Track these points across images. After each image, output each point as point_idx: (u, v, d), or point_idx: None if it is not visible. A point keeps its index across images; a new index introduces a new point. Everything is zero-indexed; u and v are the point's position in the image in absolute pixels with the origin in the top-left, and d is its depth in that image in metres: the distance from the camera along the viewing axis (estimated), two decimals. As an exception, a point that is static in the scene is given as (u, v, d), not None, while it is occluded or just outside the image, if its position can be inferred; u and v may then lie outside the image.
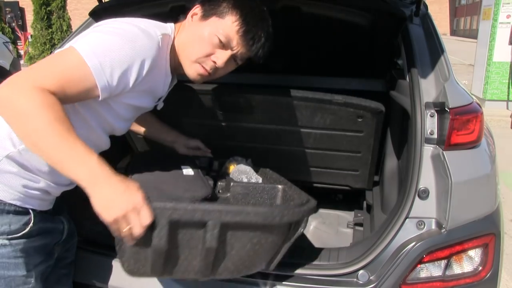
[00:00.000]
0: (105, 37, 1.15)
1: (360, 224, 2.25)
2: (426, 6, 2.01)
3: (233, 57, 1.34)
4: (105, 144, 1.38)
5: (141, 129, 1.87)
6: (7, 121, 1.05)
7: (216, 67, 1.33)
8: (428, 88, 1.56)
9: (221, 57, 1.31)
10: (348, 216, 2.40)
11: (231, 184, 1.68)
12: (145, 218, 1.03)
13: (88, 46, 1.11)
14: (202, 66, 1.32)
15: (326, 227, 2.32)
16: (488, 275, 1.41)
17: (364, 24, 1.73)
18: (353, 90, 2.21)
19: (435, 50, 1.71)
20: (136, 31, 1.17)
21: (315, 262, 1.51)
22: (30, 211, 1.22)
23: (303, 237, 2.30)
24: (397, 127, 1.94)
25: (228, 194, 1.67)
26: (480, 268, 1.41)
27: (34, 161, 1.19)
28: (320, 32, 1.87)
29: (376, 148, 1.98)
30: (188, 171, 1.56)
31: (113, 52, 1.11)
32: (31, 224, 1.21)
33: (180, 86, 1.61)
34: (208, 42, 1.29)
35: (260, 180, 1.78)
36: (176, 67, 1.37)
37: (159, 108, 1.50)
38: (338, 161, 2.08)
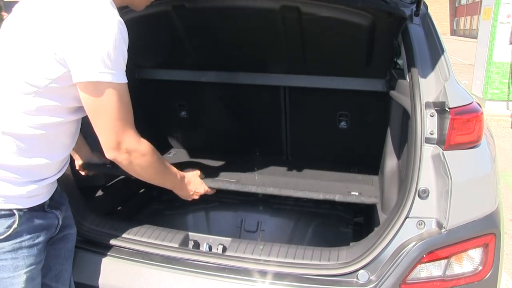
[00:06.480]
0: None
1: (360, 224, 2.25)
2: (426, 6, 2.01)
3: None
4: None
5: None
6: None
7: None
8: (428, 88, 1.56)
9: None
10: (348, 216, 2.40)
11: None
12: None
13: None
14: None
15: (326, 227, 2.32)
16: (488, 275, 1.41)
17: (364, 24, 1.73)
18: (353, 90, 2.21)
19: (435, 50, 1.71)
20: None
21: (315, 262, 1.51)
22: (15, 211, 1.19)
23: (303, 237, 2.31)
24: (397, 127, 1.94)
25: None
26: (480, 268, 1.41)
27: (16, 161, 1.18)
28: (320, 32, 1.87)
29: None
30: None
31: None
32: (14, 226, 1.19)
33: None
34: None
35: None
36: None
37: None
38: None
